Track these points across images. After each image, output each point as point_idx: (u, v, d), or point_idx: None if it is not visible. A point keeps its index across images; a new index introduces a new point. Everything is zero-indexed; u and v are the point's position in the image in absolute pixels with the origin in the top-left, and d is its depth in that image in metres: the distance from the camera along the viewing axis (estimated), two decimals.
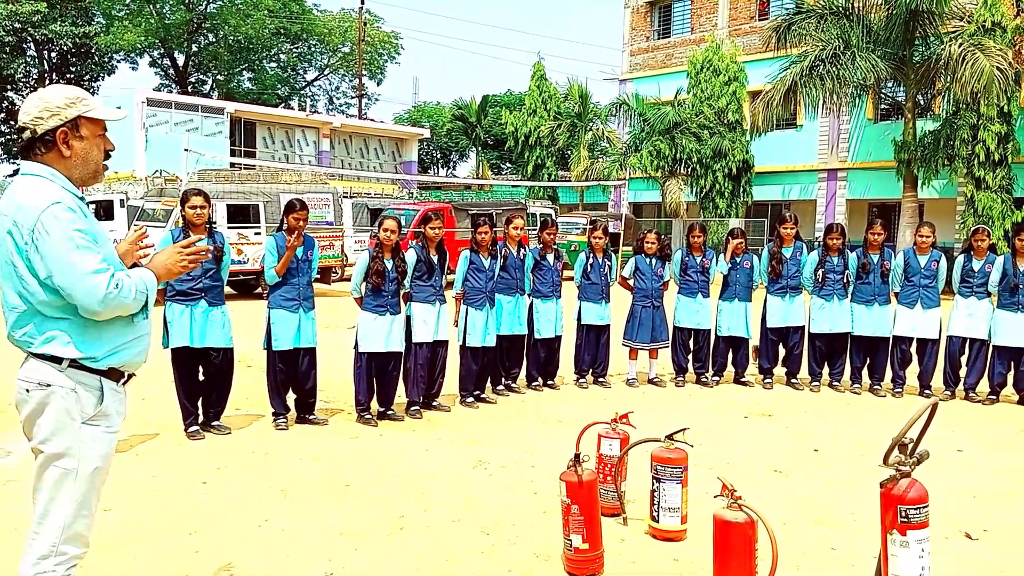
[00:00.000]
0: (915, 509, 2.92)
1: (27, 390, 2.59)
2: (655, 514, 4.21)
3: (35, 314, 2.57)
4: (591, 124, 29.94)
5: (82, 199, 2.67)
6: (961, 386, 8.16)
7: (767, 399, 7.99)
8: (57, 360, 2.57)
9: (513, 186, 31.48)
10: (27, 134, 2.59)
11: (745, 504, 3.31)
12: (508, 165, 45.65)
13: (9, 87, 39.14)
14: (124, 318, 2.68)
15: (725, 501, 3.40)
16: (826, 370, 8.52)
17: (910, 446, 3.00)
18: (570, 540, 3.74)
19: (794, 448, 6.23)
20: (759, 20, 28.00)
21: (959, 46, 18.32)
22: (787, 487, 5.26)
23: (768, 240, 22.14)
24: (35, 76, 39.67)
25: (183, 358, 6.09)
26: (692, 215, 25.80)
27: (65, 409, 2.57)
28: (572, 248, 20.10)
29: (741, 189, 25.51)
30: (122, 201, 18.43)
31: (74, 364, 2.58)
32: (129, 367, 2.73)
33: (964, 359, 8.20)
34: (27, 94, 35.50)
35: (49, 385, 2.56)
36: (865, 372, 8.42)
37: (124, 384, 2.75)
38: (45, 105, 2.58)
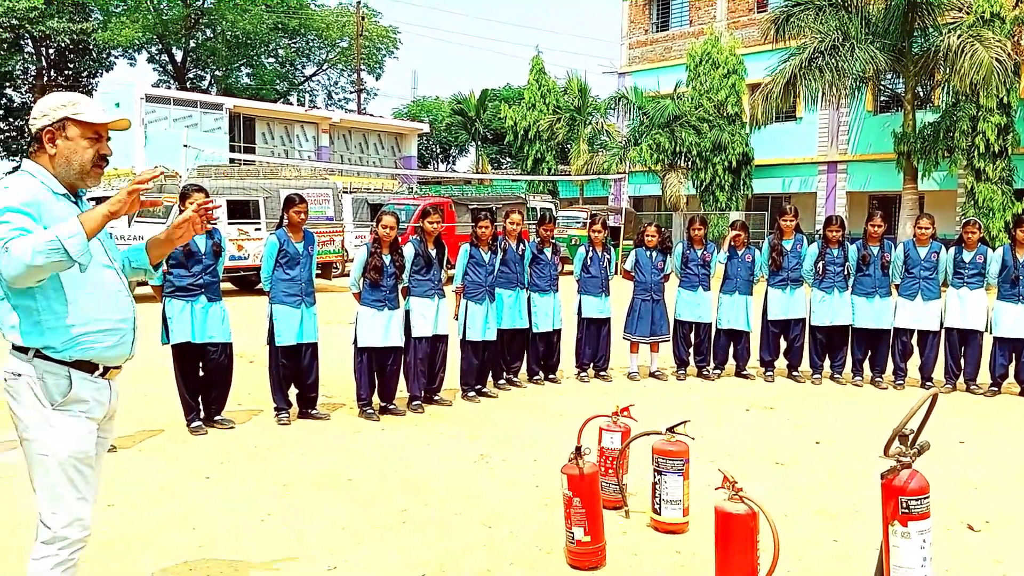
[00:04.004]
0: (916, 500, 2.93)
1: (5, 379, 2.69)
2: (657, 507, 4.22)
3: (2, 303, 2.65)
4: (590, 118, 29.87)
5: (67, 195, 2.72)
6: (962, 378, 8.17)
7: (768, 392, 8.00)
8: (24, 350, 2.65)
9: (513, 180, 31.45)
10: (28, 135, 2.72)
11: (746, 496, 3.32)
12: (508, 159, 45.58)
13: (7, 84, 39.09)
14: (90, 308, 2.67)
15: (726, 493, 3.41)
16: (827, 362, 8.52)
17: (911, 437, 3.00)
18: (572, 533, 3.75)
19: (795, 440, 6.24)
20: (758, 12, 27.95)
21: (958, 37, 18.31)
22: (788, 479, 5.27)
23: (768, 233, 22.18)
24: (33, 73, 39.61)
25: (184, 354, 6.10)
26: (692, 208, 25.78)
27: (35, 396, 2.64)
28: (572, 242, 20.10)
29: (741, 182, 25.50)
30: None
31: (39, 354, 2.64)
32: (102, 361, 2.74)
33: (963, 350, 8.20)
34: (25, 91, 35.36)
35: (20, 374, 2.64)
36: (866, 364, 8.42)
37: (103, 376, 2.76)
38: (40, 107, 2.73)
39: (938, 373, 8.27)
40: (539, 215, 9.26)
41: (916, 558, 2.94)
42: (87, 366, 2.71)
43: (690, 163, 25.51)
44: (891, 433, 2.94)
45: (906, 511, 2.92)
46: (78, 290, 2.66)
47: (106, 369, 2.78)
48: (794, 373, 8.56)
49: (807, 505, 4.75)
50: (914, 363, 8.35)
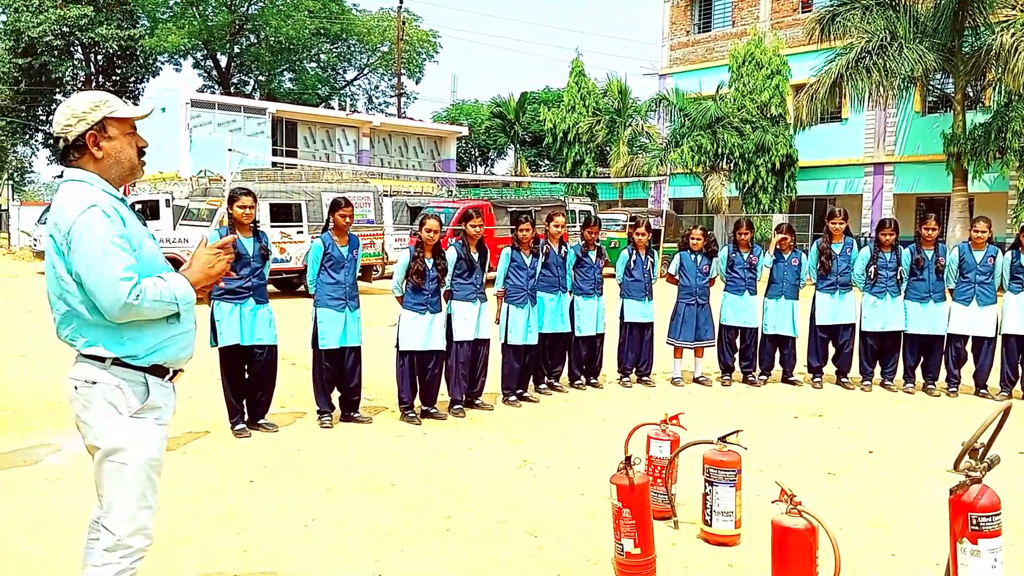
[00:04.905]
0: (987, 517, 2.80)
1: (75, 388, 2.65)
2: (707, 518, 4.11)
3: (76, 316, 2.62)
4: (630, 120, 29.67)
5: (123, 200, 2.71)
6: (1018, 385, 7.90)
7: (817, 399, 7.81)
8: (101, 359, 2.62)
9: (552, 183, 31.37)
10: (61, 143, 2.67)
11: (805, 510, 3.20)
12: (546, 162, 45.50)
13: (57, 90, 40.02)
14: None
15: (784, 506, 3.29)
16: (878, 369, 8.31)
17: (980, 451, 2.87)
18: (621, 544, 3.65)
19: (847, 449, 6.07)
20: (802, 12, 27.52)
21: (1011, 36, 17.82)
22: (842, 489, 5.12)
23: (814, 236, 21.76)
24: (82, 79, 40.51)
25: (232, 356, 6.11)
26: (734, 211, 25.47)
27: (112, 404, 2.62)
28: (612, 245, 19.93)
29: (785, 184, 25.11)
30: (167, 201, 18.70)
31: (117, 362, 2.62)
32: (173, 364, 2.76)
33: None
34: None
35: (95, 383, 2.62)
36: (919, 371, 8.19)
37: (171, 380, 2.78)
38: (72, 112, 2.65)
39: (992, 380, 8.02)
40: (584, 218, 9.16)
41: None
42: (159, 370, 2.71)
43: (732, 165, 25.19)
44: (962, 447, 2.81)
45: (976, 528, 2.79)
46: None
47: (174, 372, 2.79)
48: (843, 379, 8.35)
49: (862, 517, 4.60)
50: (967, 370, 8.11)
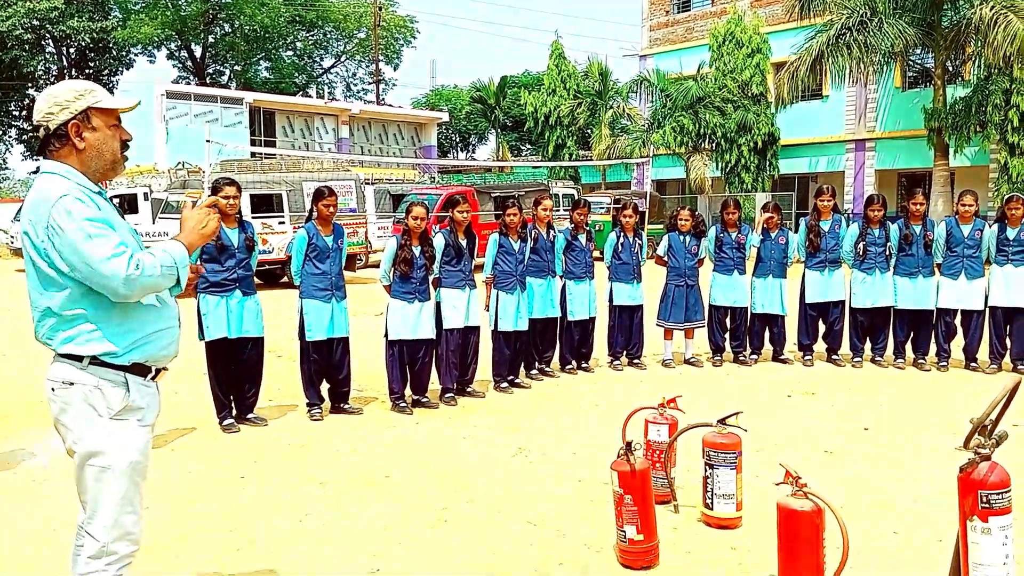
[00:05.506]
0: (997, 494, 2.75)
1: (52, 389, 2.56)
2: (708, 501, 4.05)
3: (53, 314, 2.53)
4: (612, 102, 29.54)
5: (100, 193, 2.61)
6: (1008, 358, 7.92)
7: (809, 376, 7.80)
8: (78, 359, 2.53)
9: (534, 167, 31.23)
10: (41, 132, 2.57)
11: (811, 492, 3.15)
12: (528, 146, 45.34)
13: (29, 84, 39.37)
14: (144, 310, 2.60)
15: (786, 488, 3.24)
16: (868, 345, 8.30)
17: (989, 427, 2.82)
18: (624, 531, 3.59)
19: (842, 427, 6.05)
20: None
21: (990, 9, 17.86)
22: (840, 468, 5.09)
23: (797, 214, 21.80)
24: (54, 73, 39.85)
25: (219, 349, 5.99)
26: (717, 190, 25.47)
27: (91, 406, 2.53)
28: (597, 228, 19.88)
29: (767, 163, 25.14)
30: (146, 194, 18.44)
31: (95, 361, 2.53)
32: (155, 361, 2.66)
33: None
34: None
35: (72, 384, 2.53)
36: (909, 346, 8.20)
37: (153, 379, 2.68)
38: (55, 100, 2.55)
39: (982, 353, 8.03)
40: (571, 201, 9.08)
41: (998, 555, 2.77)
42: (141, 369, 2.62)
43: (714, 145, 25.17)
44: (971, 425, 2.76)
45: (987, 506, 2.75)
46: None
47: (157, 371, 2.69)
48: (834, 357, 8.35)
49: (862, 495, 4.57)
50: (957, 344, 8.12)
